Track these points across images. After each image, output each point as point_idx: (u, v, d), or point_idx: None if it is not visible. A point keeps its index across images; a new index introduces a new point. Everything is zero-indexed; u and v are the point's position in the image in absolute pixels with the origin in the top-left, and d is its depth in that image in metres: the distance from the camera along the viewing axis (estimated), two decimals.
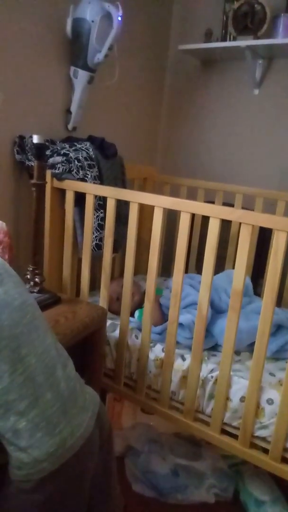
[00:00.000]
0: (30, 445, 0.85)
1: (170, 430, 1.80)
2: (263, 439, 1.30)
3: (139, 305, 1.65)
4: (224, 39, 2.13)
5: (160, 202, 1.34)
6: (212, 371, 1.38)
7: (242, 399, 1.31)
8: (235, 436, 1.35)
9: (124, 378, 1.58)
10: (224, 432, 1.37)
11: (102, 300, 1.56)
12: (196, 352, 1.35)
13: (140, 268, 2.04)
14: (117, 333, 1.56)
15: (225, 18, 2.12)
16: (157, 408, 1.49)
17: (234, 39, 2.08)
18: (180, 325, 1.43)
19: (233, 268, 1.24)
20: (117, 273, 2.03)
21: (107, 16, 1.60)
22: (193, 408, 1.41)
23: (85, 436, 0.92)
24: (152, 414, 1.68)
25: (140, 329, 1.51)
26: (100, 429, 0.99)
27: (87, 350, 1.49)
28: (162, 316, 1.57)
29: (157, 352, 1.49)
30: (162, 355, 1.46)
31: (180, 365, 1.43)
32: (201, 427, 1.40)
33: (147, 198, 1.38)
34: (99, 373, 1.55)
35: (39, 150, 1.32)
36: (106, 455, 1.04)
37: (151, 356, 1.49)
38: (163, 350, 1.46)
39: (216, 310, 1.55)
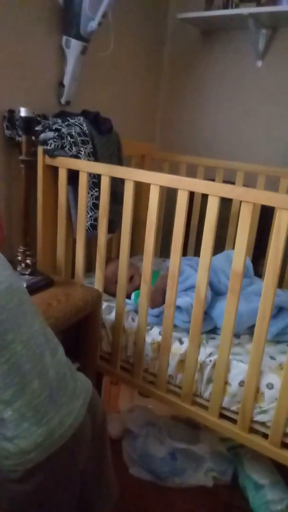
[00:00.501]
0: (16, 435, 0.81)
1: (168, 413, 1.78)
2: (263, 424, 1.27)
3: (138, 287, 1.59)
4: (226, 6, 2.01)
5: (157, 180, 1.27)
6: (210, 354, 1.34)
7: (241, 384, 1.27)
8: (233, 421, 1.32)
9: (121, 362, 1.54)
10: (222, 416, 1.34)
11: (98, 282, 1.51)
12: (194, 335, 1.30)
13: (139, 248, 1.99)
14: (113, 315, 1.52)
15: None
16: (155, 392, 1.46)
17: (237, 6, 1.97)
18: (178, 308, 1.38)
19: (233, 248, 1.18)
20: (114, 254, 1.97)
21: None
22: (191, 392, 1.37)
23: (75, 426, 0.88)
24: (150, 397, 1.65)
25: (136, 312, 1.46)
26: (93, 418, 0.95)
27: (82, 333, 1.45)
28: (162, 299, 1.52)
29: (154, 335, 1.45)
30: (159, 338, 1.41)
31: (178, 348, 1.39)
32: (199, 411, 1.37)
33: (143, 175, 1.31)
34: (94, 357, 1.51)
35: (28, 124, 1.25)
36: (100, 444, 1.01)
37: (148, 339, 1.45)
38: (160, 333, 1.42)
39: (215, 292, 1.50)
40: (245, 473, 1.55)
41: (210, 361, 1.33)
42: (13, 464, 0.82)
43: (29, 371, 0.84)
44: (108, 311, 1.55)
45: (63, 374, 0.92)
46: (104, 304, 1.54)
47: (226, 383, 1.30)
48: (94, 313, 1.41)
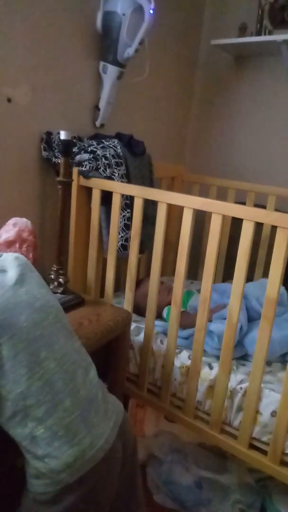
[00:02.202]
0: (47, 453, 0.80)
1: (195, 440, 1.74)
2: None
3: (165, 304, 1.58)
4: (259, 33, 2.03)
5: (190, 203, 1.27)
6: (241, 382, 1.31)
7: (273, 414, 1.23)
8: (264, 452, 1.27)
9: (148, 384, 1.52)
10: (252, 446, 1.30)
11: (127, 303, 1.51)
12: (225, 361, 1.28)
13: (165, 269, 1.98)
14: (141, 337, 1.51)
15: (260, 12, 2.03)
16: (182, 417, 1.43)
17: (270, 33, 1.99)
18: (209, 333, 1.36)
19: (264, 273, 1.17)
20: (142, 275, 1.97)
21: (139, 9, 1.54)
22: (220, 419, 1.34)
23: (106, 448, 0.86)
24: (176, 422, 1.61)
25: (165, 334, 1.45)
26: (124, 442, 0.93)
27: (110, 354, 1.44)
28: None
29: (183, 359, 1.42)
30: (188, 362, 1.39)
31: (207, 373, 1.36)
32: (228, 440, 1.33)
33: (176, 198, 1.31)
34: (122, 378, 1.50)
35: (66, 147, 1.28)
36: (131, 471, 0.99)
37: (177, 363, 1.43)
38: (189, 357, 1.40)
39: (248, 319, 1.47)
40: (274, 506, 1.49)
41: (241, 388, 1.29)
42: (43, 484, 0.81)
43: (61, 389, 0.84)
44: (137, 332, 1.54)
45: (95, 394, 0.91)
46: (133, 325, 1.54)
47: (257, 412, 1.26)
48: (123, 334, 1.41)
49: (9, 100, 1.39)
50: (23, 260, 0.96)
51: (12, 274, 0.90)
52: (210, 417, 1.36)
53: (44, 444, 0.81)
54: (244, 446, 1.29)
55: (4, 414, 0.81)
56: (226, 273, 2.02)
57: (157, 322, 1.51)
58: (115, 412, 0.95)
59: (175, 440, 1.72)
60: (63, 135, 1.26)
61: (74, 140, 1.56)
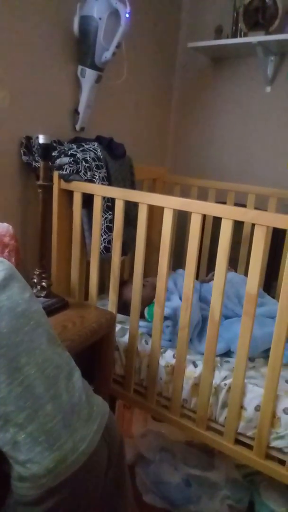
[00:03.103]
0: (28, 459, 0.81)
1: (182, 439, 1.75)
2: (280, 450, 1.24)
3: (150, 300, 1.58)
4: (234, 35, 2.07)
5: (170, 203, 1.29)
6: (225, 378, 1.33)
7: (257, 408, 1.25)
8: (249, 447, 1.29)
9: (134, 385, 1.53)
10: (238, 442, 1.32)
11: (111, 305, 1.52)
12: (209, 359, 1.30)
13: (150, 270, 1.99)
14: (126, 338, 1.52)
15: (235, 14, 2.07)
16: (168, 416, 1.44)
17: (245, 35, 2.02)
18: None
19: (246, 271, 1.19)
20: (126, 276, 1.98)
21: (115, 13, 1.56)
22: (205, 416, 1.35)
23: (89, 452, 0.87)
24: (163, 421, 1.63)
25: (150, 335, 1.46)
26: (110, 444, 0.94)
27: (95, 356, 1.45)
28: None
29: (168, 358, 1.44)
30: (173, 361, 1.41)
31: (192, 371, 1.38)
32: (214, 437, 1.35)
33: (157, 199, 1.33)
34: (108, 380, 1.50)
35: (45, 151, 1.28)
36: (118, 472, 0.99)
37: (162, 362, 1.44)
38: (174, 356, 1.41)
39: (224, 316, 1.50)
40: (262, 501, 1.51)
41: (225, 384, 1.31)
42: (26, 487, 0.82)
43: (42, 395, 0.85)
44: (122, 334, 1.55)
45: (78, 398, 0.91)
46: (118, 327, 1.55)
47: (241, 407, 1.28)
48: (108, 335, 1.41)
49: None
50: (6, 265, 0.97)
51: None
52: (196, 415, 1.37)
53: (25, 450, 0.81)
54: (230, 442, 1.31)
55: None
56: (209, 270, 2.04)
57: (141, 323, 1.52)
58: (100, 414, 0.95)
59: (163, 439, 1.74)
60: (41, 139, 1.26)
61: (54, 144, 1.57)
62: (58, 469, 0.82)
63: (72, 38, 1.64)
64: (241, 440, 1.31)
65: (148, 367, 1.47)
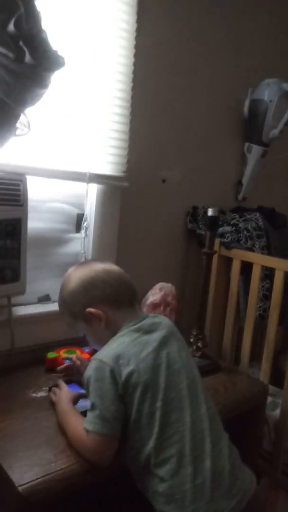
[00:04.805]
0: (160, 511, 0.84)
1: None
2: None
3: None
4: None
5: None
6: None
7: None
8: None
9: (283, 465, 1.43)
10: None
11: (263, 375, 1.49)
12: None
13: None
14: (277, 412, 1.45)
15: None
16: None
17: None
18: None
19: None
20: (278, 347, 1.91)
21: (285, 95, 1.66)
22: None
23: None
24: None
25: None
26: None
27: (243, 426, 1.42)
28: None
29: None
30: None
31: None
32: None
33: None
34: (254, 455, 1.44)
35: (213, 222, 1.39)
36: None
37: None
38: None
39: None
40: None
41: None
42: None
43: (186, 454, 0.86)
44: (272, 407, 1.49)
45: (221, 467, 0.88)
46: (269, 399, 1.50)
47: None
48: (259, 406, 1.38)
49: (163, 181, 1.59)
50: (168, 323, 1.05)
51: (157, 335, 0.98)
52: None
53: (161, 502, 0.84)
54: None
55: (139, 464, 0.88)
56: None
57: None
58: (242, 490, 0.89)
59: None
60: (210, 212, 1.38)
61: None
62: None
63: (241, 118, 1.79)
64: None
65: None
